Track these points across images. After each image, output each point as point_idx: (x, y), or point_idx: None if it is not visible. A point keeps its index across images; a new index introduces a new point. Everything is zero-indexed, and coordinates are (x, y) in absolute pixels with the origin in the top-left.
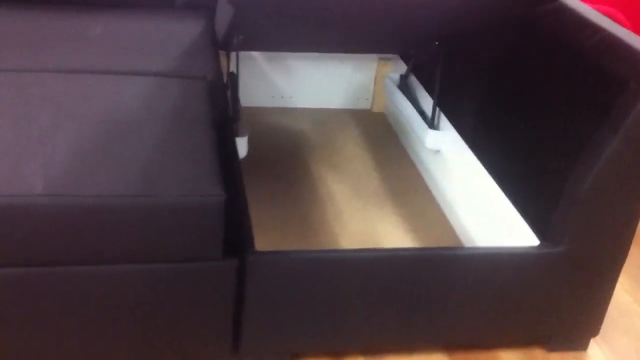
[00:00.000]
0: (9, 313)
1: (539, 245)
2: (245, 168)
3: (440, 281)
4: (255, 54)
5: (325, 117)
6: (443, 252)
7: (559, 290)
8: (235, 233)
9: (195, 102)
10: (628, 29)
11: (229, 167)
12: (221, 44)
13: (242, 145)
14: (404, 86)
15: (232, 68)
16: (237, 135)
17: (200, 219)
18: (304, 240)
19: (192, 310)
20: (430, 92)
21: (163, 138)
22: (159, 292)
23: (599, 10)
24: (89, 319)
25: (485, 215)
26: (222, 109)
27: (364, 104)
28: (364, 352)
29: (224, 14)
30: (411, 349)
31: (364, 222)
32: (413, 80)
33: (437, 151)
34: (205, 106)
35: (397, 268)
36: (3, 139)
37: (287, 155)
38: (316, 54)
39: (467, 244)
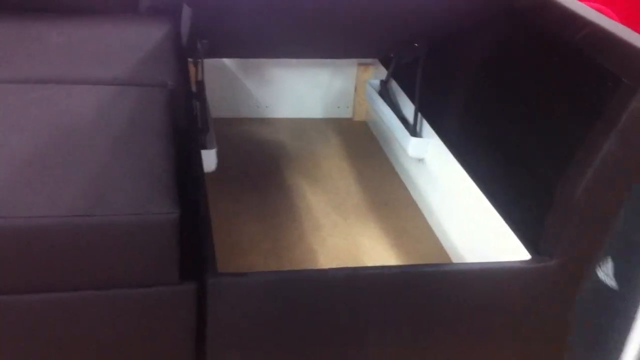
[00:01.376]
0: None
1: (530, 260)
2: (215, 182)
3: (427, 301)
4: (228, 61)
5: (303, 127)
6: (429, 269)
7: (553, 307)
8: (195, 254)
9: (153, 112)
10: None
11: (191, 182)
12: (186, 51)
13: (210, 158)
14: (385, 92)
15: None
16: (205, 148)
17: (152, 238)
18: (279, 259)
19: (150, 338)
20: (412, 98)
21: (115, 150)
22: (113, 319)
23: (587, 5)
24: (37, 350)
25: (473, 228)
26: (188, 119)
27: (345, 113)
28: None
29: (185, 17)
30: None
31: (344, 237)
32: (394, 85)
33: (421, 160)
34: (164, 115)
35: (379, 288)
36: None
37: (263, 167)
38: (293, 61)
39: (455, 258)
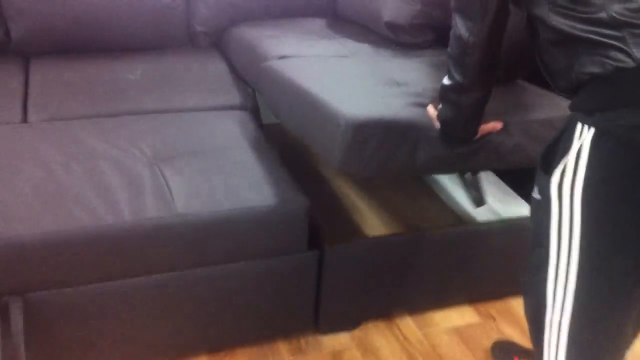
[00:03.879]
0: (148, 310)
1: None
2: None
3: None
4: None
5: None
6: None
7: None
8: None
9: (249, 128)
10: None
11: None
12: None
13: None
14: None
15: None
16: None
17: (292, 221)
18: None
19: (284, 294)
20: None
21: (244, 161)
22: (260, 281)
23: None
24: (205, 309)
25: None
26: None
27: None
28: (410, 312)
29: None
30: (444, 305)
31: None
32: None
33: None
34: (257, 131)
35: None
36: (137, 165)
37: None
38: None
39: None
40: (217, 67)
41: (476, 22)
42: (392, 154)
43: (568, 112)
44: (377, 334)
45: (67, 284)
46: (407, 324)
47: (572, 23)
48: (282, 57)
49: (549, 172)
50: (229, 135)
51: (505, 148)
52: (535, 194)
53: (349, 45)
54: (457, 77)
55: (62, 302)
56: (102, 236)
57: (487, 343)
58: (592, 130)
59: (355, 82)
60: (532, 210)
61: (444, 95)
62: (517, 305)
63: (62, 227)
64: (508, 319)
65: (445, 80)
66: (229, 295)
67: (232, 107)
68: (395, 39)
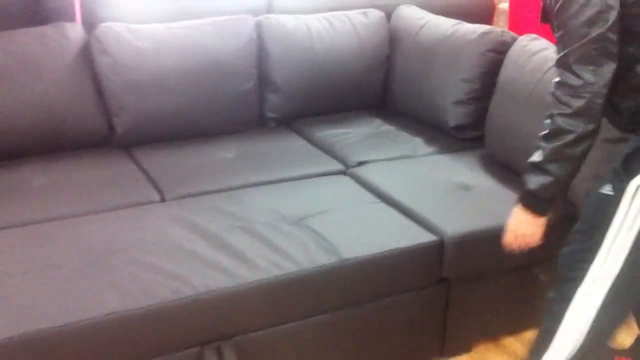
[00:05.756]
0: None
1: None
2: None
3: None
4: None
5: None
6: None
7: None
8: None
9: (357, 188)
10: None
11: None
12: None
13: None
14: None
15: None
16: None
17: (429, 255)
18: None
19: (417, 323)
20: None
21: (370, 213)
22: (399, 314)
23: None
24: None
25: None
26: None
27: None
28: (512, 334)
29: None
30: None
31: None
32: None
33: None
34: (364, 188)
35: None
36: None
37: None
38: None
39: None
40: (299, 144)
41: (600, 64)
42: None
43: None
44: (490, 354)
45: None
46: (512, 342)
47: None
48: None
49: (632, 174)
50: (344, 193)
51: None
52: (608, 190)
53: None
54: (582, 126)
55: (263, 343)
56: (282, 282)
57: None
58: None
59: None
60: (597, 204)
61: (553, 157)
62: None
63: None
64: None
65: (561, 140)
66: (376, 329)
67: (332, 173)
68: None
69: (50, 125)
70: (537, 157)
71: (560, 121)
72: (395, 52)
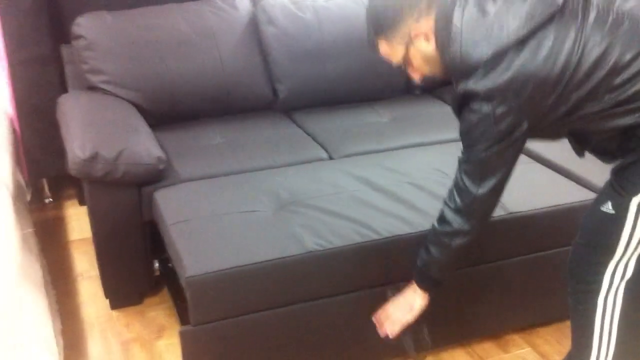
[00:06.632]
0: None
1: None
2: None
3: None
4: None
5: None
6: None
7: None
8: None
9: None
10: None
11: None
12: None
13: None
14: None
15: None
16: None
17: None
18: None
19: None
20: None
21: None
22: None
23: None
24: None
25: None
26: None
27: None
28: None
29: None
30: None
31: None
32: None
33: None
34: None
35: None
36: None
37: None
38: None
39: None
40: (445, 110)
41: (488, 178)
42: None
43: None
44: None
45: None
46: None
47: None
48: None
49: (631, 192)
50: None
51: None
52: (608, 209)
53: None
54: (459, 223)
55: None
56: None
57: None
58: None
59: None
60: (600, 222)
61: (434, 239)
62: None
63: None
64: None
65: (442, 227)
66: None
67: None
68: None
69: (224, 89)
70: (429, 234)
71: (446, 210)
72: None
